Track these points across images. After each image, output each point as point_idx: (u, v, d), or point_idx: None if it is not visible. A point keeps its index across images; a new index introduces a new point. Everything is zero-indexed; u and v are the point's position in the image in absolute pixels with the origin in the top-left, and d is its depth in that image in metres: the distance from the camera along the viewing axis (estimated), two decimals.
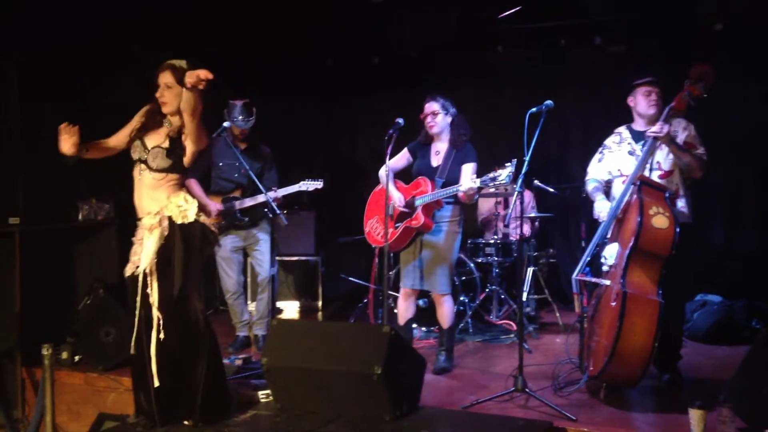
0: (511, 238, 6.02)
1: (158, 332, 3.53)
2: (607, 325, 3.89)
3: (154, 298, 3.55)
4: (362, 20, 6.28)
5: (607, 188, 4.36)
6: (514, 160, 4.13)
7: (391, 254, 4.69)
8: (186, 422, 3.62)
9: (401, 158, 4.82)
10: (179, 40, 5.47)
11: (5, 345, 4.78)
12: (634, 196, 3.95)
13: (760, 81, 6.10)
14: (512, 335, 5.62)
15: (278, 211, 5.03)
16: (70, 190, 5.26)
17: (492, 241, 5.99)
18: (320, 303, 6.86)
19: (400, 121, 4.41)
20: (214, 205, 5.11)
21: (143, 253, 3.57)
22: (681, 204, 4.15)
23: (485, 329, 5.87)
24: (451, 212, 4.63)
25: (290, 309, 6.95)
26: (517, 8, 5.94)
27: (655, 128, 3.99)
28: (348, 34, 6.48)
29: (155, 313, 3.55)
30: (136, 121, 3.72)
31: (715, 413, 3.26)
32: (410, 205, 4.59)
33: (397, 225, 4.61)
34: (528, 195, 6.31)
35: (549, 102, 4.03)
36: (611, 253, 4.03)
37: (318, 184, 5.22)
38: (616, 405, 3.92)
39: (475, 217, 6.59)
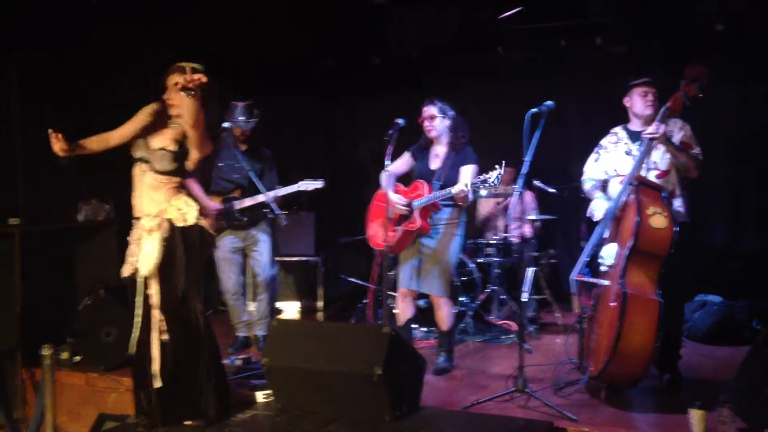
0: (512, 238, 6.01)
1: (160, 333, 3.53)
2: (606, 326, 3.89)
3: (155, 300, 3.55)
4: (362, 20, 6.28)
5: (603, 188, 4.36)
6: (503, 162, 4.17)
7: (392, 256, 4.69)
8: (187, 422, 3.62)
9: (403, 162, 4.82)
10: (179, 40, 5.48)
11: (6, 345, 4.78)
12: (632, 196, 3.95)
13: (760, 81, 6.11)
14: (512, 335, 5.62)
15: (278, 212, 5.03)
16: (71, 190, 5.25)
17: (493, 242, 5.99)
18: (320, 303, 6.85)
19: (401, 121, 4.41)
20: (214, 204, 5.11)
21: (142, 256, 3.56)
22: (678, 204, 4.16)
23: (485, 329, 5.86)
24: (449, 215, 4.63)
25: (290, 309, 6.95)
26: (518, 9, 5.94)
27: (651, 129, 3.99)
28: (348, 34, 6.48)
29: (157, 315, 3.55)
30: (143, 119, 3.65)
31: (716, 413, 3.26)
32: (411, 208, 4.60)
33: (396, 228, 4.62)
34: (529, 195, 6.31)
35: (550, 102, 4.03)
36: (609, 254, 4.03)
37: (318, 184, 5.22)
38: (616, 405, 3.92)
39: (475, 217, 6.59)
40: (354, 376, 3.57)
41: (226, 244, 5.23)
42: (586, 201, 4.45)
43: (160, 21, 5.56)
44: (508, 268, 6.09)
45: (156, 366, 3.54)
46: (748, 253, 6.28)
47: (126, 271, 3.66)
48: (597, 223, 4.18)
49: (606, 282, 4.00)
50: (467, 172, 4.53)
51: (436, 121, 4.64)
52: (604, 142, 4.39)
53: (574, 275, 4.05)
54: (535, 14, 6.06)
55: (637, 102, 4.21)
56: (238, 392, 4.06)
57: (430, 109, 4.64)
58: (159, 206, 3.59)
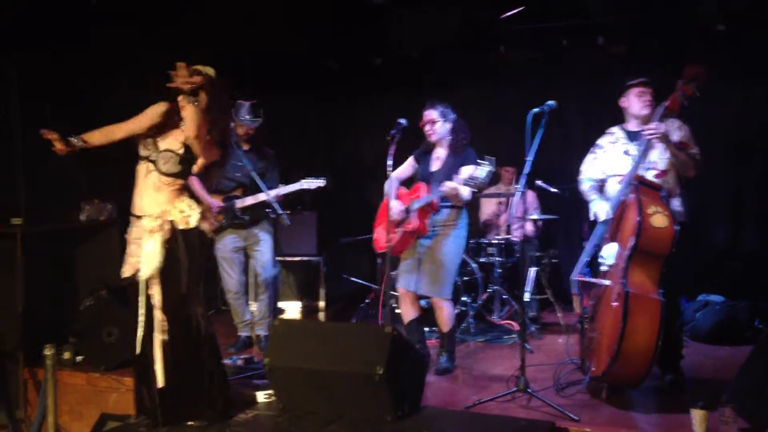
0: (514, 238, 6.01)
1: (162, 334, 3.53)
2: (608, 326, 3.89)
3: (157, 301, 3.55)
4: (362, 20, 6.28)
5: (600, 188, 4.36)
6: (493, 159, 4.15)
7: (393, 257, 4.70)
8: (188, 422, 3.62)
9: (407, 166, 4.83)
10: (179, 40, 5.48)
11: (8, 345, 4.78)
12: (631, 196, 3.94)
13: (760, 81, 6.11)
14: (514, 335, 5.62)
15: (281, 211, 5.03)
16: (72, 190, 5.26)
17: (494, 242, 5.98)
18: (322, 303, 6.85)
19: (403, 121, 4.41)
20: (215, 202, 5.11)
21: (144, 257, 3.55)
22: (676, 203, 4.15)
23: (487, 329, 5.87)
24: (447, 216, 4.62)
25: (292, 309, 6.95)
26: (519, 9, 5.94)
27: (651, 128, 3.99)
28: (348, 34, 6.48)
29: (159, 316, 3.55)
30: (153, 118, 3.58)
31: (718, 413, 3.26)
32: (409, 211, 4.61)
33: (397, 230, 4.62)
34: (531, 195, 6.31)
35: (551, 102, 4.02)
36: (609, 253, 4.01)
37: (320, 183, 5.21)
38: (618, 405, 3.92)
39: (477, 217, 6.59)
40: (355, 376, 3.57)
41: (228, 244, 5.22)
42: (588, 202, 4.45)
43: (160, 21, 5.56)
44: (509, 268, 6.10)
45: (158, 366, 3.54)
46: (748, 253, 6.28)
47: (127, 272, 3.65)
48: (599, 223, 4.18)
49: (607, 282, 4.00)
50: (466, 173, 4.53)
51: (437, 125, 4.63)
52: (601, 141, 4.39)
53: (575, 275, 4.05)
54: (536, 14, 6.06)
55: (634, 102, 4.21)
56: (239, 392, 4.06)
57: (431, 113, 4.64)
58: (161, 207, 3.58)
